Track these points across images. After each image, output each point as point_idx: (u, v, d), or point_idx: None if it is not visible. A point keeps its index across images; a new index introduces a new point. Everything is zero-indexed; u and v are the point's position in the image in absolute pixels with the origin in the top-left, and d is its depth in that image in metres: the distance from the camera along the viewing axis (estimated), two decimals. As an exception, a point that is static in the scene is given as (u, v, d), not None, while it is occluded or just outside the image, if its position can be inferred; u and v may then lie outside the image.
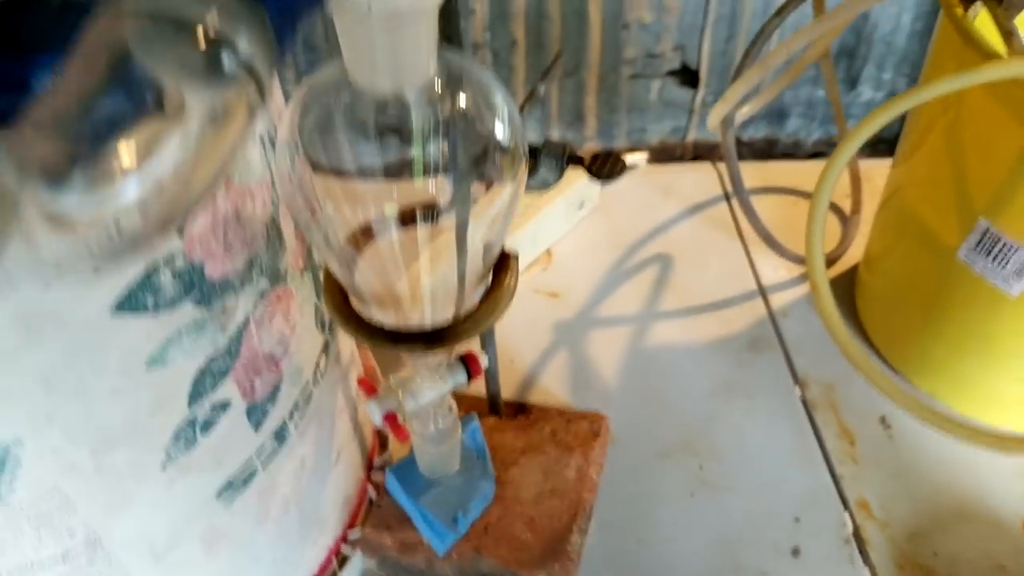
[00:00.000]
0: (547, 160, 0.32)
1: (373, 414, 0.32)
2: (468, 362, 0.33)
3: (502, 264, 0.28)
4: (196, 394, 0.26)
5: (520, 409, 0.46)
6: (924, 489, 0.47)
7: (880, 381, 0.41)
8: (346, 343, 0.38)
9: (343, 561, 0.41)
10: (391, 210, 0.25)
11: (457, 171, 0.25)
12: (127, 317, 0.23)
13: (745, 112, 0.54)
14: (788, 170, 0.65)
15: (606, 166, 0.33)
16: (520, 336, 0.54)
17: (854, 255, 0.58)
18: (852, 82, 0.69)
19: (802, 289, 0.57)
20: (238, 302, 0.27)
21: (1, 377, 0.21)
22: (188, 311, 0.25)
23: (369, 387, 0.33)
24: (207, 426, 0.28)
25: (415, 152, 0.24)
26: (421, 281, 0.27)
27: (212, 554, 0.32)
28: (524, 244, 0.56)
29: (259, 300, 0.28)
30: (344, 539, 0.41)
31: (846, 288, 0.56)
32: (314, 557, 0.39)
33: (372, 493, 0.42)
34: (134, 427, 0.25)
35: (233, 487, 0.30)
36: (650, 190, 0.63)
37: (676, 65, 0.72)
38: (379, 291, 0.27)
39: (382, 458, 0.44)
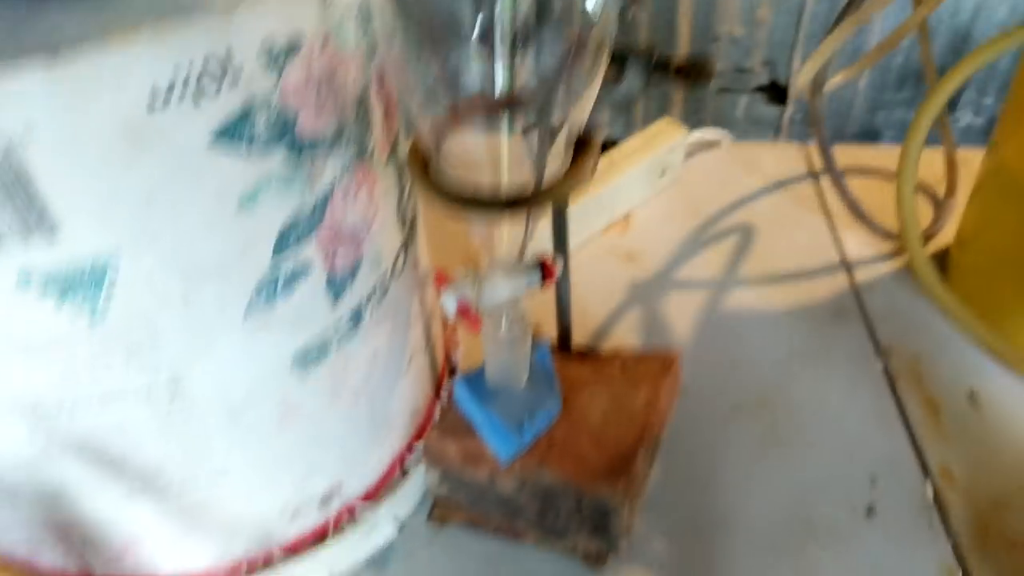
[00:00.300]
0: (633, 65, 0.33)
1: (448, 302, 0.33)
2: (543, 265, 0.34)
3: (582, 146, 0.29)
4: (281, 246, 0.28)
5: (589, 353, 0.46)
6: (1012, 463, 0.45)
7: (981, 335, 0.39)
8: (424, 254, 0.39)
9: (405, 473, 0.42)
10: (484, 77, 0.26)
11: (542, 48, 0.26)
12: (224, 149, 0.24)
13: (837, 81, 0.53)
14: (877, 153, 0.64)
15: (694, 69, 0.34)
16: (593, 293, 0.54)
17: (946, 238, 0.56)
18: (951, 106, 0.67)
19: (889, 265, 0.55)
20: (326, 165, 0.28)
21: (109, 182, 0.23)
22: (279, 159, 0.26)
23: (445, 280, 0.34)
24: (289, 284, 0.29)
25: (501, 14, 0.25)
26: (504, 150, 0.28)
27: (284, 427, 0.33)
28: (602, 206, 0.56)
29: (345, 171, 0.29)
30: (409, 450, 0.42)
31: (937, 269, 0.54)
32: (379, 461, 0.40)
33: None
34: (222, 265, 0.27)
35: (308, 358, 0.32)
36: (733, 166, 0.63)
37: (764, 81, 0.72)
38: (464, 158, 0.28)
39: (450, 382, 0.45)
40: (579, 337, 0.51)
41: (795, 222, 0.58)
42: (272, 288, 0.29)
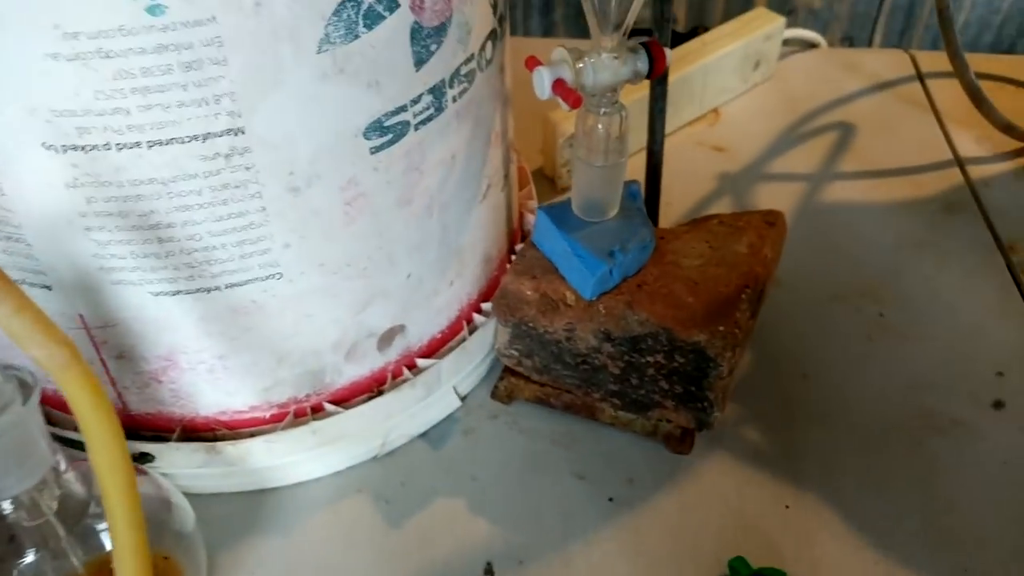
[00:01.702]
0: None
1: (542, 81, 0.28)
2: (652, 49, 0.29)
3: None
4: (367, -38, 0.24)
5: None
6: None
7: None
8: (509, 74, 0.35)
9: (474, 331, 0.38)
10: None
11: None
12: None
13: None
14: (995, 61, 0.58)
15: None
16: (679, 184, 0.49)
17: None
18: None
19: (1005, 164, 0.50)
20: None
21: None
22: None
23: (537, 61, 0.29)
24: (371, 17, 0.25)
25: None
26: None
27: (350, 220, 0.29)
28: (691, 93, 0.52)
29: None
30: (478, 308, 0.38)
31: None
32: (446, 307, 0.36)
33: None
34: None
35: (382, 132, 0.28)
36: (831, 67, 0.58)
37: (841, 33, 0.67)
38: None
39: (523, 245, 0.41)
40: (666, 223, 0.46)
41: (901, 121, 0.53)
42: (354, 14, 0.25)
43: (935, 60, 0.50)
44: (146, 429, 0.34)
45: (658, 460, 0.36)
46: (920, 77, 0.57)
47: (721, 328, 0.32)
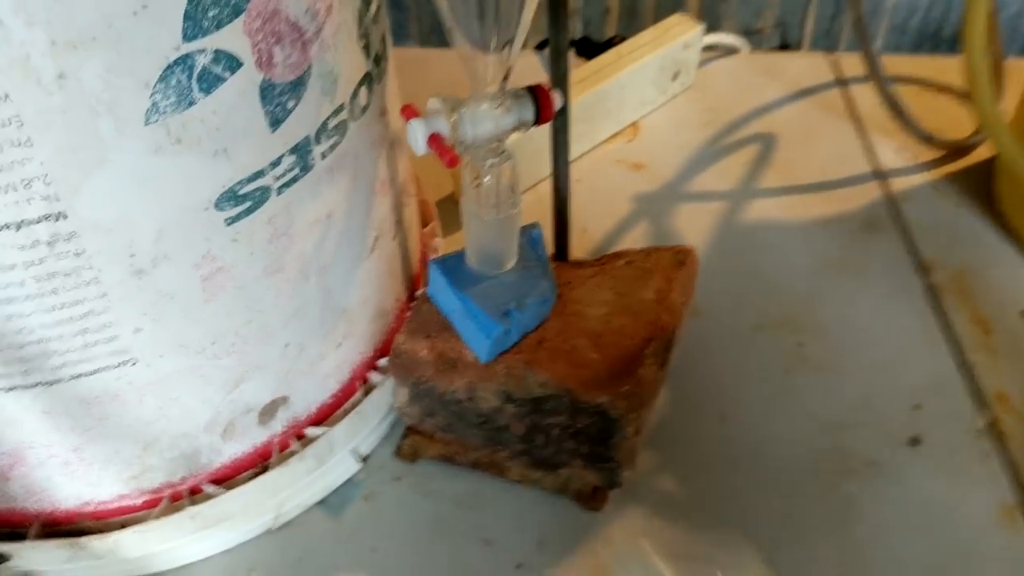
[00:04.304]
0: None
1: (416, 131, 0.26)
2: (538, 95, 0.27)
3: None
4: (194, 18, 0.21)
5: (589, 262, 0.39)
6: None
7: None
8: (395, 113, 0.32)
9: (368, 392, 0.35)
10: None
11: None
12: None
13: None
14: (911, 62, 0.57)
15: None
16: (596, 205, 0.47)
17: (991, 148, 0.50)
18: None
19: (927, 175, 0.49)
20: None
21: None
22: None
23: (412, 112, 0.27)
24: (208, 80, 0.22)
25: None
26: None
27: (210, 297, 0.26)
28: (607, 109, 0.49)
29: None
30: (373, 365, 0.35)
31: (983, 178, 0.48)
32: (335, 371, 0.33)
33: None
34: (110, 25, 0.19)
35: (238, 201, 0.25)
36: (752, 73, 0.56)
37: (776, 44, 0.66)
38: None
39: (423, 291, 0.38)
40: (580, 253, 0.44)
41: (821, 130, 0.52)
42: (186, 78, 0.22)
43: (859, 63, 0.48)
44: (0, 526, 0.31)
45: (569, 518, 0.34)
46: (843, 82, 0.55)
47: (624, 388, 0.30)
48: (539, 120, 0.27)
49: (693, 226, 0.46)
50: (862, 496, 0.35)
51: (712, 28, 0.61)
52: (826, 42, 0.66)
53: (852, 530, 0.34)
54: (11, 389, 0.25)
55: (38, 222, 0.22)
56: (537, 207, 0.41)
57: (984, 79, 0.40)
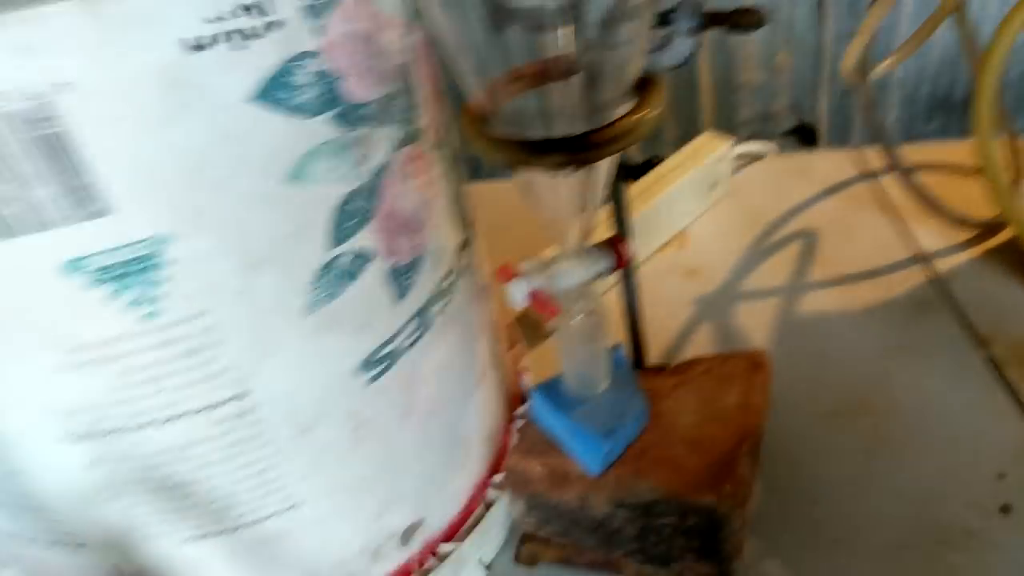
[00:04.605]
0: (681, 19, 0.31)
1: (516, 293, 0.30)
2: (614, 245, 0.31)
3: (646, 87, 0.27)
4: (338, 231, 0.26)
5: (665, 368, 0.43)
6: None
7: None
8: (484, 263, 0.37)
9: (488, 507, 0.38)
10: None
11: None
12: (268, 107, 0.23)
13: (887, 65, 0.51)
14: (930, 151, 0.61)
15: (743, 17, 0.32)
16: (658, 313, 0.51)
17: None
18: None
19: (968, 254, 0.52)
20: (377, 139, 0.26)
21: (152, 144, 0.21)
22: (327, 124, 0.24)
23: (508, 273, 0.31)
24: (350, 275, 0.27)
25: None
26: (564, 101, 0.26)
27: (357, 445, 0.30)
28: (656, 223, 0.54)
29: (397, 148, 0.28)
30: (488, 482, 0.39)
31: (1013, 256, 0.51)
32: (459, 492, 0.37)
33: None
34: (277, 249, 0.25)
35: (377, 363, 0.29)
36: (783, 175, 0.61)
37: (792, 124, 0.71)
38: (522, 117, 0.26)
39: (523, 408, 0.42)
40: (650, 360, 0.48)
41: (858, 222, 0.56)
42: (333, 279, 0.26)
43: (880, 156, 0.52)
44: None
45: (687, 612, 0.36)
46: (870, 175, 0.59)
47: (727, 487, 0.33)
48: (617, 267, 0.31)
49: (753, 323, 0.50)
50: (961, 563, 0.36)
51: (727, 121, 0.66)
52: (841, 118, 0.70)
53: (959, 600, 0.35)
54: (204, 537, 0.29)
55: (227, 403, 0.26)
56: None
57: (997, 170, 0.43)
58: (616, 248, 0.31)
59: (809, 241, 0.55)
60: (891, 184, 0.57)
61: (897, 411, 0.43)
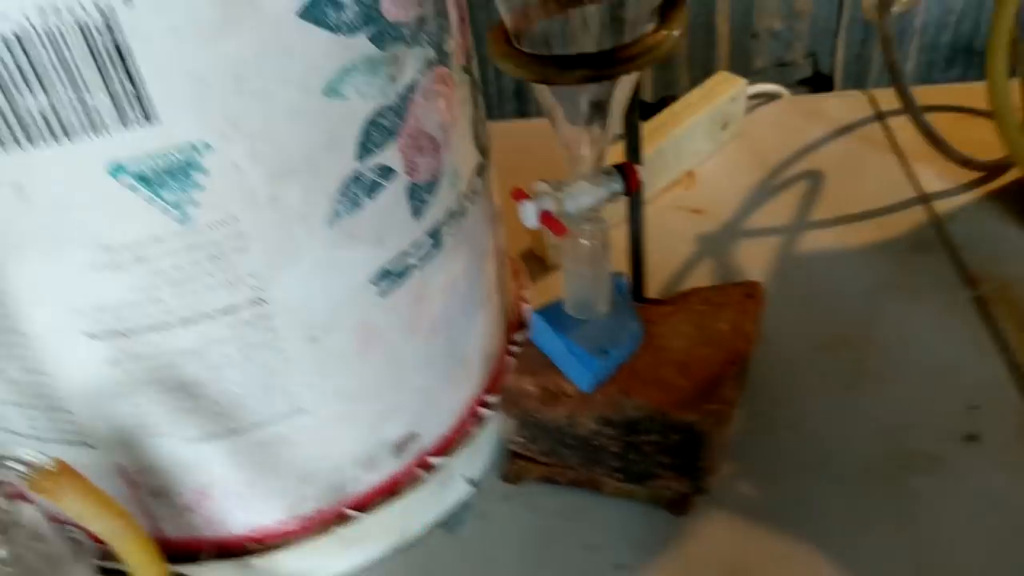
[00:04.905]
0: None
1: (528, 211, 0.32)
2: (625, 170, 0.33)
3: (669, 8, 0.29)
4: (365, 145, 0.27)
5: (664, 300, 0.45)
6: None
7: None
8: (496, 191, 0.39)
9: (480, 424, 0.41)
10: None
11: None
12: (312, 23, 0.24)
13: (906, 1, 0.51)
14: (941, 91, 0.62)
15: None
16: (661, 250, 0.53)
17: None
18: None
19: (968, 196, 0.53)
20: (408, 58, 0.28)
21: (202, 56, 0.23)
22: (364, 44, 0.26)
23: (522, 194, 0.33)
24: (373, 188, 0.28)
25: None
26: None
27: (364, 355, 0.33)
28: (665, 162, 0.55)
29: (426, 69, 0.29)
30: (483, 401, 0.41)
31: (1013, 198, 0.52)
32: (454, 408, 0.39)
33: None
34: (309, 159, 0.26)
35: (390, 277, 0.31)
36: (795, 116, 0.61)
37: (808, 73, 0.71)
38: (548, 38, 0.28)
39: (522, 332, 0.44)
40: (651, 293, 0.50)
41: (865, 163, 0.57)
42: (357, 191, 0.28)
43: (894, 97, 0.53)
44: (179, 551, 0.36)
45: (661, 523, 0.39)
46: (880, 116, 0.60)
47: (711, 407, 0.36)
48: (627, 191, 0.33)
49: (753, 260, 0.51)
50: (926, 488, 0.39)
51: (743, 69, 0.66)
52: (858, 67, 0.70)
53: (920, 520, 0.38)
54: (207, 438, 0.32)
55: (245, 308, 0.29)
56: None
57: (1008, 109, 0.44)
58: (627, 173, 0.33)
59: (815, 181, 0.56)
60: (901, 125, 0.58)
61: (881, 346, 0.46)
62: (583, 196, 0.32)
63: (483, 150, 0.36)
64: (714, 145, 0.58)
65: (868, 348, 0.46)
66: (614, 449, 0.38)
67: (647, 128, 0.55)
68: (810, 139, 0.59)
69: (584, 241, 0.34)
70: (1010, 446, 0.40)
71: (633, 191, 0.33)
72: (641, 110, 0.38)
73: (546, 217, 0.31)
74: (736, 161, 0.58)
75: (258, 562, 0.36)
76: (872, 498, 0.39)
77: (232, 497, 0.35)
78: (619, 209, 0.41)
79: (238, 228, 0.26)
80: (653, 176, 0.55)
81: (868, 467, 0.40)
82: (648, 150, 0.53)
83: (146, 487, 0.34)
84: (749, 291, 0.41)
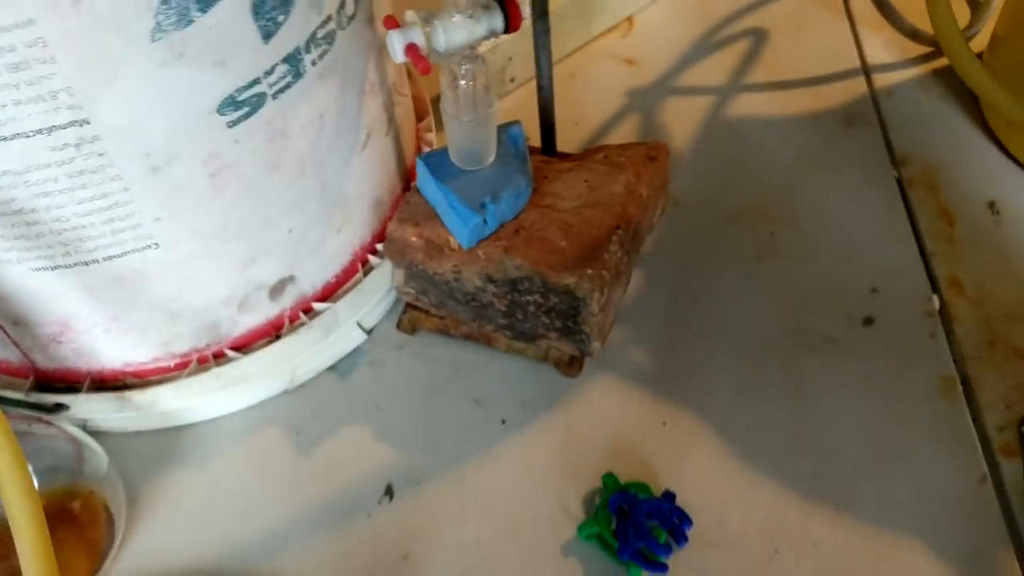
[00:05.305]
0: None
1: (394, 44, 0.29)
2: (506, 5, 0.29)
3: None
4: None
5: (574, 155, 0.42)
6: (1030, 275, 0.41)
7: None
8: (381, 14, 0.35)
9: (368, 271, 0.39)
10: None
11: None
12: None
13: None
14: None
15: None
16: (588, 99, 0.50)
17: (981, 43, 0.50)
18: None
19: (911, 71, 0.50)
20: None
21: None
22: None
23: (393, 23, 0.30)
24: (204, 1, 0.25)
25: None
26: None
27: (217, 190, 0.30)
28: (601, 5, 0.51)
29: None
30: (372, 249, 0.40)
31: (954, 80, 0.49)
32: (336, 254, 0.37)
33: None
34: None
35: (237, 106, 0.28)
36: (750, -34, 0.57)
37: None
38: None
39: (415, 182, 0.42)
40: (571, 146, 0.47)
41: (813, 26, 0.53)
42: (183, 2, 0.25)
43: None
44: (58, 382, 0.36)
45: (549, 383, 0.39)
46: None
47: (589, 271, 0.34)
48: (508, 28, 0.30)
49: (680, 120, 0.49)
50: (815, 367, 0.39)
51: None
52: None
53: (803, 397, 0.38)
54: (55, 268, 0.30)
55: (65, 127, 0.26)
56: (530, 102, 0.44)
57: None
58: (508, 7, 0.30)
59: (757, 40, 0.52)
60: (857, -11, 0.54)
61: (795, 221, 0.44)
62: (456, 31, 0.29)
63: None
64: (658, -9, 0.54)
65: (782, 222, 0.44)
66: (500, 306, 0.37)
67: (584, -35, 0.50)
68: (761, -7, 0.55)
69: (461, 82, 0.31)
70: (902, 333, 0.39)
71: (514, 28, 0.29)
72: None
73: (411, 50, 0.28)
74: (680, 10, 0.54)
75: (138, 397, 0.36)
76: (760, 373, 0.39)
77: (96, 330, 0.34)
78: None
79: (37, 33, 0.23)
80: (586, 19, 0.51)
81: (762, 343, 0.40)
82: (580, -9, 0.49)
83: (3, 315, 0.32)
84: (653, 153, 0.38)
